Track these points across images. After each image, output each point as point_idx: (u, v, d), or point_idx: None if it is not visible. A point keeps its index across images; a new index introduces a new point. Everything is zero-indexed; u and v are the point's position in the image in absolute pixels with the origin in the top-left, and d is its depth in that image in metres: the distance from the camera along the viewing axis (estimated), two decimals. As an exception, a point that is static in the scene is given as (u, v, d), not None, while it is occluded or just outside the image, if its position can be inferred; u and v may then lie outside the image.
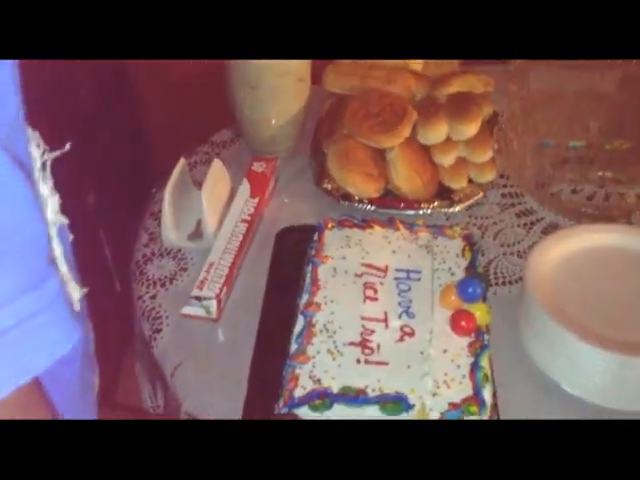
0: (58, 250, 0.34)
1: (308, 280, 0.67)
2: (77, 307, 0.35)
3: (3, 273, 0.29)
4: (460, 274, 0.68)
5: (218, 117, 0.97)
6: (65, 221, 0.35)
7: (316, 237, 0.72)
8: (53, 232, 0.34)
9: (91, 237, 1.25)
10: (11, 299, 0.29)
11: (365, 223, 0.74)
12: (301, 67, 0.86)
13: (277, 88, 0.85)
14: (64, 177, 0.37)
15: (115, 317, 0.92)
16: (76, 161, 0.55)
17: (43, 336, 0.30)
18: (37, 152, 0.33)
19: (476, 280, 0.65)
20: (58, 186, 0.35)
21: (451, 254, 0.70)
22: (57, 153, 0.34)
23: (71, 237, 0.38)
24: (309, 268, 0.69)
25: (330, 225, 0.74)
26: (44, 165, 0.34)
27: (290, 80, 0.85)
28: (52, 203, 0.34)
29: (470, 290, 0.64)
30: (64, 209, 0.35)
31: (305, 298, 0.66)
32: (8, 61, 0.30)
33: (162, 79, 1.60)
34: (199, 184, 0.79)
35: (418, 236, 0.73)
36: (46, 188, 0.33)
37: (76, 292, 0.35)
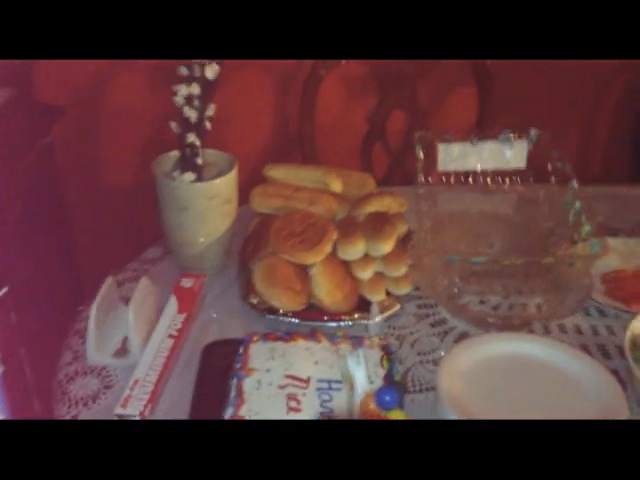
0: None
1: (233, 393, 0.69)
2: None
3: None
4: (379, 383, 0.71)
5: (148, 235, 1.01)
6: None
7: (241, 350, 0.75)
8: None
9: (12, 356, 1.21)
10: None
11: (289, 336, 0.77)
12: (229, 189, 0.92)
13: (206, 210, 0.90)
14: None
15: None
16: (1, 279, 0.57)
17: None
18: None
19: (393, 388, 0.68)
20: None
21: (370, 364, 0.74)
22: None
23: None
24: (234, 381, 0.71)
25: (255, 338, 0.77)
26: None
27: (218, 202, 0.90)
28: None
29: (387, 398, 0.67)
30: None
31: (230, 411, 0.67)
32: None
33: (93, 198, 1.64)
34: (127, 301, 0.81)
35: (339, 347, 0.76)
36: None
37: None
